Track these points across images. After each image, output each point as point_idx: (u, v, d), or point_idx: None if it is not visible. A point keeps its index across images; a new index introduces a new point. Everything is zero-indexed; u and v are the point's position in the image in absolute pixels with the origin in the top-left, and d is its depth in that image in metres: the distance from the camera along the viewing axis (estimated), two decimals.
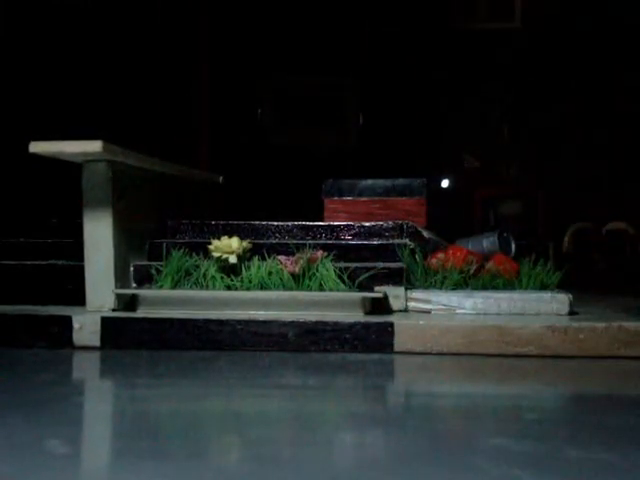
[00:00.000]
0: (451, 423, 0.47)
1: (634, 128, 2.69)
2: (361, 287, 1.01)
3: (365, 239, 1.12)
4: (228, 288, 1.00)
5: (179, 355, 0.86)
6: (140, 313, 0.98)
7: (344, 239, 1.12)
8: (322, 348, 0.88)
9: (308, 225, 1.13)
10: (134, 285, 1.04)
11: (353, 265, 1.03)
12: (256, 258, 1.03)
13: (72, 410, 0.57)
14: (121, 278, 1.01)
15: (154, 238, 1.11)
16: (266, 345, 0.89)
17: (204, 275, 1.01)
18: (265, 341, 0.89)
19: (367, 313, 0.97)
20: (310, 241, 1.09)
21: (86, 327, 0.92)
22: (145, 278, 1.04)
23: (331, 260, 1.02)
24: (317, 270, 1.01)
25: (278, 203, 2.32)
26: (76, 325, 0.92)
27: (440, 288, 1.06)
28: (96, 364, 0.86)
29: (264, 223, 1.13)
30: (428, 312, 1.00)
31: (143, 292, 1.01)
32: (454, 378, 0.67)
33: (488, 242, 1.19)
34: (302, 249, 1.04)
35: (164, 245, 1.08)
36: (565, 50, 2.82)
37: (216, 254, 1.00)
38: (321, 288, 1.00)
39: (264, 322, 0.90)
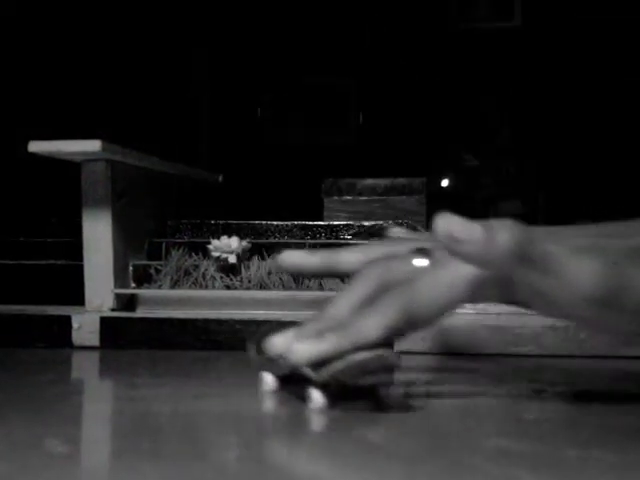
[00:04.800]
0: (450, 423, 0.47)
1: (635, 127, 2.69)
2: None
3: (365, 239, 1.12)
4: (227, 288, 1.00)
5: (178, 355, 0.86)
6: (139, 313, 0.98)
7: (344, 239, 1.12)
8: None
9: (308, 225, 1.13)
10: (133, 285, 1.04)
11: None
12: (256, 258, 1.03)
13: (71, 410, 0.57)
14: (120, 278, 1.01)
15: (153, 237, 1.11)
16: None
17: (203, 275, 1.01)
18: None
19: None
20: (310, 241, 1.09)
21: (85, 327, 0.92)
22: (144, 278, 1.04)
23: None
24: None
25: (278, 202, 2.32)
26: (75, 325, 0.92)
27: None
28: (95, 364, 0.86)
29: (264, 223, 1.13)
30: None
31: (142, 292, 1.01)
32: (454, 378, 0.67)
33: None
34: (302, 249, 1.04)
35: (163, 245, 1.08)
36: (566, 49, 2.82)
37: (215, 254, 1.00)
38: (321, 288, 0.99)
39: (264, 322, 0.90)
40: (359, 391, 0.49)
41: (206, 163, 2.70)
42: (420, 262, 0.49)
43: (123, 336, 0.91)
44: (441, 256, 0.48)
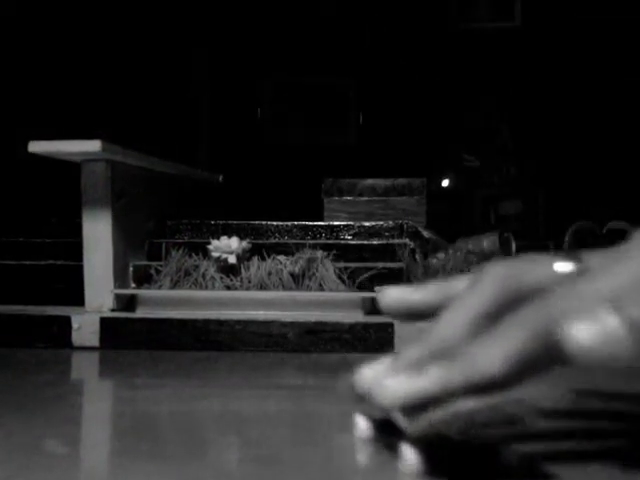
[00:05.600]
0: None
1: (635, 127, 2.69)
2: (361, 287, 1.01)
3: (365, 239, 1.12)
4: (227, 288, 1.00)
5: (178, 355, 0.86)
6: (139, 313, 0.97)
7: (344, 239, 1.12)
8: (322, 348, 0.88)
9: (308, 225, 1.13)
10: (133, 285, 1.04)
11: (353, 265, 1.03)
12: (255, 258, 1.02)
13: (71, 410, 0.57)
14: (120, 278, 1.01)
15: (153, 238, 1.11)
16: (265, 345, 0.89)
17: (203, 275, 1.01)
18: (265, 341, 0.89)
19: (367, 313, 0.96)
20: (310, 241, 1.09)
21: (85, 327, 0.92)
22: (144, 278, 1.04)
23: (331, 260, 1.02)
24: (317, 270, 1.01)
25: (278, 203, 2.31)
26: (75, 325, 0.92)
27: None
28: (95, 364, 0.85)
29: (264, 223, 1.13)
30: None
31: (142, 292, 1.01)
32: None
33: (488, 242, 1.19)
34: (302, 249, 1.04)
35: (163, 245, 1.08)
36: (566, 49, 2.82)
37: (215, 254, 1.00)
38: (321, 288, 0.99)
39: (264, 322, 0.90)
40: (471, 449, 0.37)
41: (206, 163, 2.70)
42: (563, 266, 0.36)
43: (123, 336, 0.91)
44: (597, 262, 0.36)
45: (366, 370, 0.38)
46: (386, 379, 0.34)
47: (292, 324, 0.89)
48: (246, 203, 2.06)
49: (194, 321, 0.91)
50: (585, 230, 2.25)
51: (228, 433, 0.48)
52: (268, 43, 2.85)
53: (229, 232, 1.09)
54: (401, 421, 0.34)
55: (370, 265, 1.03)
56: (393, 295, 0.42)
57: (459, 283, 0.40)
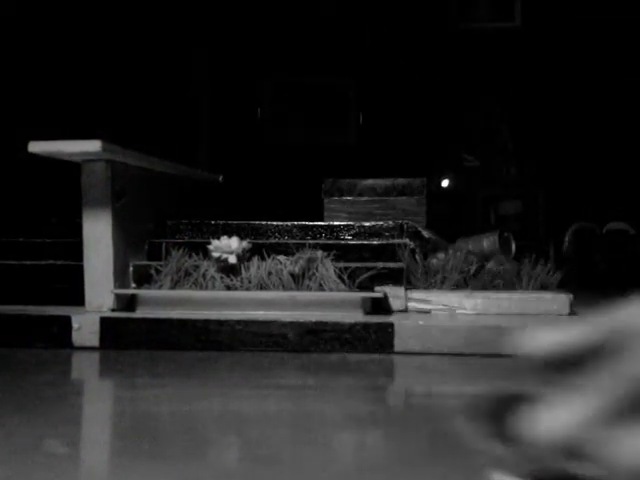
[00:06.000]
0: (451, 423, 0.47)
1: (635, 127, 2.69)
2: (361, 287, 1.01)
3: (365, 239, 1.12)
4: (228, 288, 1.00)
5: (178, 355, 0.86)
6: (139, 313, 0.98)
7: (344, 239, 1.12)
8: (322, 348, 0.88)
9: (308, 225, 1.13)
10: (133, 285, 1.04)
11: (353, 265, 1.03)
12: (256, 258, 1.03)
13: (71, 410, 0.57)
14: (120, 278, 1.01)
15: (153, 238, 1.11)
16: (266, 345, 0.89)
17: (203, 275, 1.01)
18: (265, 341, 0.89)
19: (367, 313, 0.97)
20: (310, 241, 1.09)
21: (85, 327, 0.92)
22: (144, 278, 1.04)
23: (331, 260, 1.02)
24: (317, 270, 1.01)
25: (278, 203, 2.32)
26: (75, 325, 0.92)
27: (440, 288, 1.06)
28: (95, 364, 0.86)
29: (264, 223, 1.13)
30: (428, 312, 1.00)
31: (142, 292, 1.01)
32: (454, 378, 0.67)
33: (488, 242, 1.19)
34: (302, 249, 1.04)
35: (163, 245, 1.08)
36: (565, 49, 2.82)
37: (216, 254, 1.00)
38: (321, 288, 0.99)
39: (264, 322, 0.90)
40: None
41: (206, 163, 2.69)
42: None
43: (123, 336, 0.91)
44: None
45: (554, 416, 0.28)
46: (611, 435, 0.24)
47: (292, 324, 0.89)
48: (246, 203, 2.06)
49: (194, 321, 0.91)
50: (585, 230, 2.25)
51: (228, 433, 0.48)
52: (268, 43, 2.85)
53: (229, 232, 1.09)
54: None
55: (370, 265, 1.03)
56: (546, 338, 0.32)
57: (628, 310, 0.31)
